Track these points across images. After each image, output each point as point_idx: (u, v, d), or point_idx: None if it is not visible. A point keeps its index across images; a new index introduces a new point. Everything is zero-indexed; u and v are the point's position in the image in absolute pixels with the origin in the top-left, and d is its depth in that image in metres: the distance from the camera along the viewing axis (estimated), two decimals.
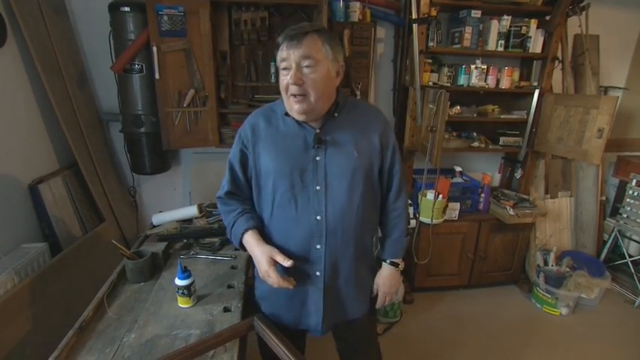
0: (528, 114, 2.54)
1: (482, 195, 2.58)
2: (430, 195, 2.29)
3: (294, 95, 0.98)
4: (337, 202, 1.06)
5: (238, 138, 1.15)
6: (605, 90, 2.83)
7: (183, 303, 1.23)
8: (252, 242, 1.10)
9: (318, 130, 1.06)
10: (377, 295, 1.28)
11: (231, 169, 1.17)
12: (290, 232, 1.10)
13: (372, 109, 1.17)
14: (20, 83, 1.85)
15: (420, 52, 2.22)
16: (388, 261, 1.25)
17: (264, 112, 1.13)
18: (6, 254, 1.62)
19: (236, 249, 1.25)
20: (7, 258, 1.59)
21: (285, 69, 0.99)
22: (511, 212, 2.43)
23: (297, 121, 1.06)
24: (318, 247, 1.09)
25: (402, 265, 1.26)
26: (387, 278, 1.25)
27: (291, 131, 1.07)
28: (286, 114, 1.06)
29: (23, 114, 1.87)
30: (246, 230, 1.11)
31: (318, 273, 1.12)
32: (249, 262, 1.61)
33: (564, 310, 2.43)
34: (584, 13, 2.39)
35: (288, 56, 0.97)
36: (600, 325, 2.38)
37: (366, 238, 1.18)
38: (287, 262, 1.03)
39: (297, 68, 0.96)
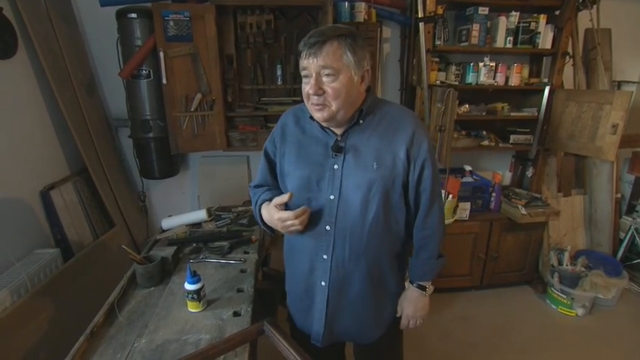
0: (539, 111, 2.50)
1: (493, 194, 2.53)
2: None
3: (315, 104, 0.96)
4: (348, 214, 1.02)
5: (271, 134, 1.17)
6: (619, 85, 2.76)
7: (192, 307, 1.22)
8: (264, 211, 1.10)
9: (339, 137, 1.02)
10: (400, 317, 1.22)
11: (263, 162, 1.20)
12: (301, 235, 1.08)
13: (404, 116, 1.03)
14: (31, 91, 1.88)
15: (427, 51, 2.20)
16: (415, 283, 1.15)
17: (294, 112, 1.13)
18: (19, 260, 1.64)
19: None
20: (21, 264, 1.61)
21: (305, 77, 0.96)
22: (523, 211, 2.39)
23: (321, 126, 1.03)
24: (325, 257, 1.07)
25: (430, 290, 1.15)
26: (411, 301, 1.16)
27: (315, 135, 1.06)
28: (311, 117, 1.03)
29: (34, 121, 1.90)
30: (262, 203, 1.12)
31: (323, 283, 1.09)
32: (258, 266, 1.60)
33: (580, 311, 2.37)
34: (595, 6, 2.34)
35: (307, 65, 0.94)
36: (618, 326, 2.31)
37: (383, 257, 1.09)
38: (286, 197, 1.02)
39: (317, 78, 0.93)
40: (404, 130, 1.00)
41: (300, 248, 1.12)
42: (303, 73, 0.97)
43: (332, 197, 1.03)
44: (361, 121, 1.02)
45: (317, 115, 0.98)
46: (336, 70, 0.92)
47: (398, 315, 1.21)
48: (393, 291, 1.17)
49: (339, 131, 1.03)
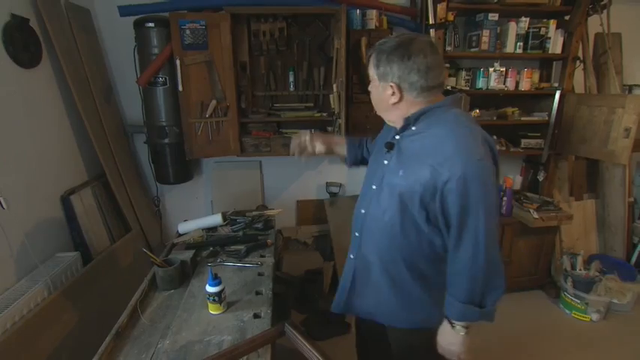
0: (550, 115, 2.50)
1: (505, 198, 2.53)
2: None
3: None
4: (376, 207, 1.09)
5: None
6: (630, 89, 2.76)
7: (214, 310, 1.25)
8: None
9: (397, 137, 1.08)
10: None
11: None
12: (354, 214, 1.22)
13: (447, 138, 0.97)
14: (53, 99, 1.94)
15: None
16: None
17: None
18: (42, 263, 1.68)
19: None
20: (43, 266, 1.65)
21: None
22: (535, 215, 2.38)
23: None
24: (357, 234, 1.17)
25: (459, 330, 1.04)
26: (441, 333, 1.09)
27: (389, 130, 1.16)
28: None
29: (56, 128, 1.95)
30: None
31: (352, 256, 1.20)
32: (274, 269, 1.63)
33: (595, 316, 2.35)
34: (605, 11, 2.36)
35: None
36: (635, 331, 2.29)
37: (397, 261, 1.08)
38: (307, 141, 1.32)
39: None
40: (437, 152, 0.96)
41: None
42: None
43: (374, 187, 1.11)
44: (413, 128, 1.04)
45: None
46: (371, 80, 1.07)
47: None
48: (418, 296, 1.12)
49: (398, 131, 1.09)
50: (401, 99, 1.02)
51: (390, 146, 1.08)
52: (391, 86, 1.01)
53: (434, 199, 0.97)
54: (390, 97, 1.02)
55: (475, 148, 0.95)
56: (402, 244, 1.06)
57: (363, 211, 1.14)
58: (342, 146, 1.39)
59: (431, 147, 0.98)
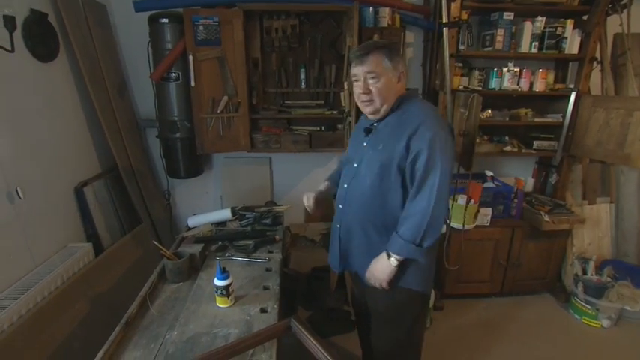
0: (564, 117, 2.45)
1: (515, 200, 2.50)
2: (461, 200, 2.25)
3: (364, 101, 1.26)
4: (359, 179, 1.32)
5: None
6: None
7: (221, 303, 1.27)
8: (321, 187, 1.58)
9: (375, 124, 1.32)
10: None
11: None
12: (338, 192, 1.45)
13: (418, 113, 1.24)
14: (69, 92, 1.98)
15: (451, 55, 2.20)
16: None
17: (362, 115, 1.46)
18: (55, 253, 1.72)
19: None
20: (57, 256, 1.69)
21: (356, 81, 1.26)
22: (546, 218, 2.35)
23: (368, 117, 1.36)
24: (341, 207, 1.40)
25: (392, 261, 1.24)
26: (376, 260, 1.30)
27: (362, 125, 1.41)
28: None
29: (71, 121, 2.00)
30: (327, 179, 1.61)
31: (338, 226, 1.42)
32: (282, 265, 1.64)
33: (606, 322, 2.31)
34: (625, 10, 2.30)
35: (357, 72, 1.25)
36: None
37: (375, 220, 1.30)
38: (306, 203, 1.53)
39: (365, 81, 1.23)
40: (412, 124, 1.21)
41: (337, 201, 1.46)
42: (354, 78, 1.27)
43: (355, 165, 1.35)
44: (392, 113, 1.28)
45: (366, 110, 1.29)
46: (377, 74, 1.22)
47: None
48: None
49: (376, 120, 1.32)
50: (403, 84, 1.28)
51: (368, 131, 1.34)
52: (403, 73, 1.26)
53: (408, 161, 1.20)
54: (397, 84, 1.25)
55: (439, 122, 1.24)
56: (379, 205, 1.28)
57: (345, 186, 1.37)
58: (332, 189, 1.56)
59: (405, 124, 1.23)
